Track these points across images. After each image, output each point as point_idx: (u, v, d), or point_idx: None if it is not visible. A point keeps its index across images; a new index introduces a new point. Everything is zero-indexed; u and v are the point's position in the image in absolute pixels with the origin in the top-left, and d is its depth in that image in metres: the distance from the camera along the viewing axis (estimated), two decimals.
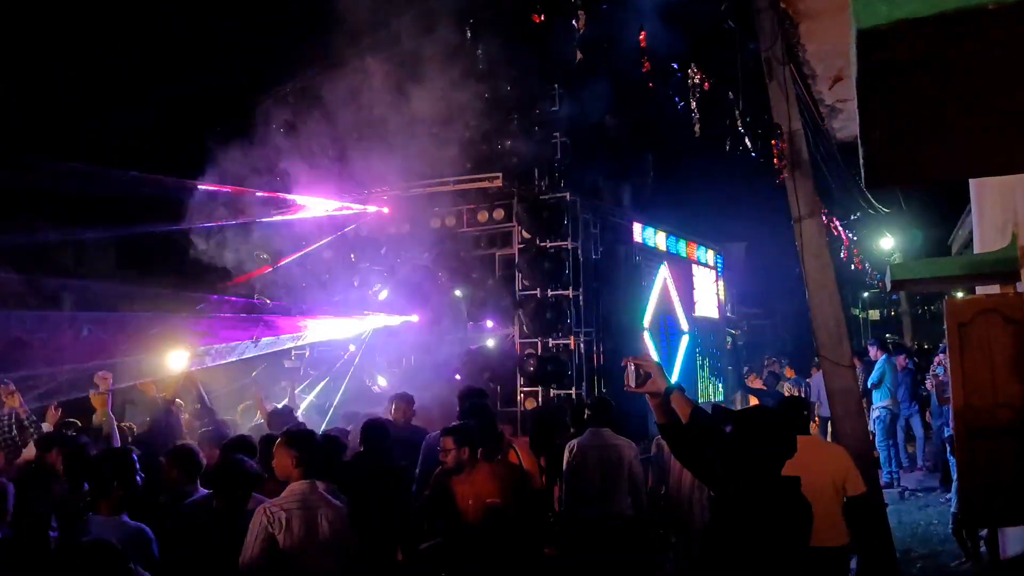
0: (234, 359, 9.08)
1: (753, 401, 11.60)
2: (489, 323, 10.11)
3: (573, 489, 5.87)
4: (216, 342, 9.02)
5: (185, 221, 9.07)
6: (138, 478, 4.02)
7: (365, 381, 10.41)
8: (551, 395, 9.14)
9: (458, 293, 10.31)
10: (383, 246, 10.42)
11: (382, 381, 10.38)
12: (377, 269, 10.52)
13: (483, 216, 9.76)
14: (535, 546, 5.34)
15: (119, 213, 10.15)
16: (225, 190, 8.89)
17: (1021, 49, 1.71)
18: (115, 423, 6.00)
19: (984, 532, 7.07)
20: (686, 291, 12.33)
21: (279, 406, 7.90)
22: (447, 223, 10.00)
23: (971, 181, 7.21)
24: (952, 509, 7.47)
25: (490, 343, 9.97)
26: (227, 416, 7.85)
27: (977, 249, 7.63)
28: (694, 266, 12.87)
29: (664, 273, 11.47)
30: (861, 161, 2.37)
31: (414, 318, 10.37)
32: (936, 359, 9.70)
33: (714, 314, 13.51)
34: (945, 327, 5.29)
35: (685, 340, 12.06)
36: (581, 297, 9.25)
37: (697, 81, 7.48)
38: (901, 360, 11.63)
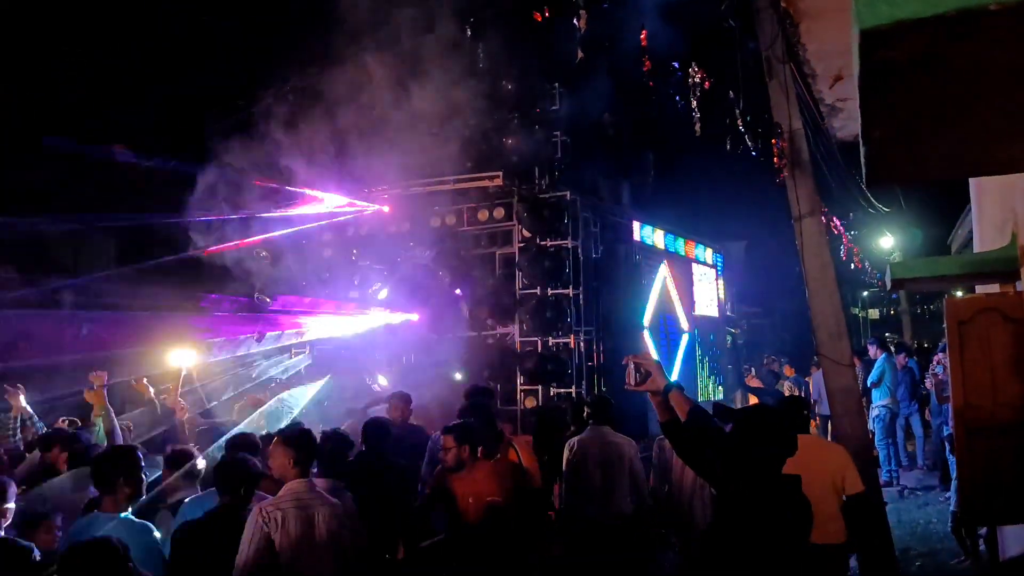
0: (238, 353, 9.08)
1: (753, 400, 11.62)
2: (489, 322, 10.12)
3: (574, 487, 5.88)
4: (217, 340, 9.02)
5: (184, 219, 9.07)
6: (143, 475, 4.02)
7: (365, 379, 10.42)
8: (551, 394, 9.15)
9: (458, 292, 10.32)
10: (383, 245, 10.43)
11: (383, 380, 10.39)
12: (377, 268, 10.53)
13: (483, 215, 9.77)
14: (535, 544, 5.35)
15: (119, 211, 10.15)
16: (224, 190, 8.89)
17: (1022, 49, 1.72)
18: (115, 419, 6.00)
19: (983, 530, 7.08)
20: (686, 290, 12.34)
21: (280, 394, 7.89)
22: (447, 222, 10.00)
23: (971, 180, 7.22)
24: (951, 507, 7.48)
25: (490, 342, 9.98)
26: (225, 416, 7.84)
27: (977, 248, 7.63)
28: (694, 265, 12.88)
29: (664, 272, 11.48)
30: (862, 160, 2.37)
31: (414, 317, 10.38)
32: (935, 358, 9.70)
33: (714, 313, 13.52)
34: (945, 326, 5.29)
35: (685, 339, 12.07)
36: (581, 296, 9.26)
37: (697, 80, 7.48)
38: (901, 359, 11.63)
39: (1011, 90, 1.99)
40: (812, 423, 10.86)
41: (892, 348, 12.14)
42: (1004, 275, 5.41)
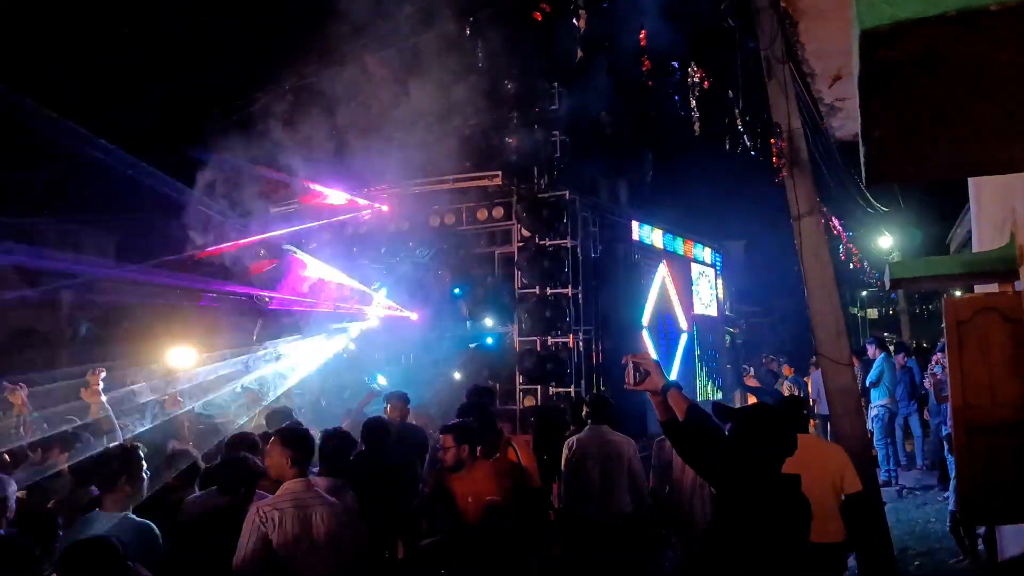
0: (236, 351, 9.08)
1: (752, 399, 11.63)
2: (488, 321, 10.13)
3: (573, 486, 5.88)
4: (216, 339, 9.02)
5: (184, 217, 9.08)
6: (144, 474, 4.02)
7: (364, 379, 10.43)
8: (550, 393, 9.15)
9: (457, 291, 10.33)
10: (383, 244, 10.43)
11: (382, 380, 10.39)
12: (377, 267, 10.53)
13: (482, 214, 9.77)
14: (535, 544, 5.35)
15: (118, 209, 10.15)
16: (224, 189, 8.89)
17: (1023, 48, 1.73)
18: (114, 419, 5.99)
19: (982, 530, 7.09)
20: (685, 289, 12.34)
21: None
22: (447, 221, 10.00)
23: (970, 180, 7.22)
24: (950, 507, 7.49)
25: (489, 341, 9.99)
26: (222, 415, 7.83)
27: (976, 248, 7.64)
28: (693, 264, 12.88)
29: (663, 271, 11.49)
30: (862, 159, 2.38)
31: (413, 316, 10.39)
32: (934, 357, 9.71)
33: (713, 312, 13.53)
34: (944, 325, 5.30)
35: (684, 338, 12.08)
36: (580, 295, 9.27)
37: (697, 80, 7.48)
38: (900, 359, 11.64)
39: (1011, 90, 2.00)
40: (811, 423, 10.87)
41: (891, 348, 12.15)
42: (1003, 275, 5.42)
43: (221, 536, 3.80)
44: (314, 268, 10.39)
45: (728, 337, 14.84)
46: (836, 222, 15.26)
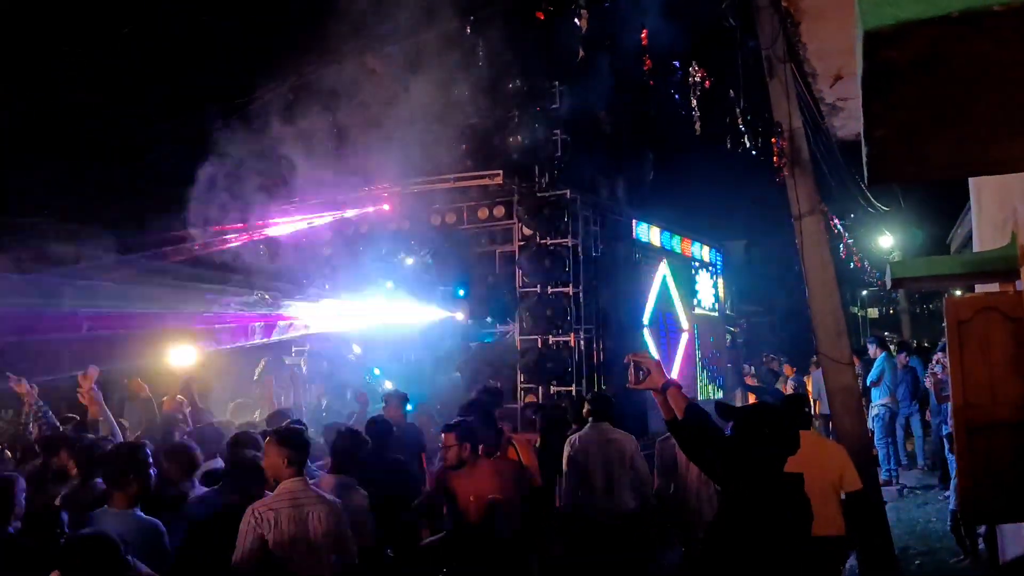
0: (241, 344, 9.10)
1: (752, 399, 11.64)
2: (489, 320, 10.13)
3: (575, 484, 5.89)
4: (217, 337, 9.03)
5: (184, 216, 9.08)
6: (152, 472, 4.02)
7: (365, 377, 10.44)
8: (551, 392, 9.16)
9: (461, 293, 10.33)
10: (384, 243, 10.44)
11: (376, 371, 10.42)
12: (378, 266, 10.54)
13: (483, 213, 9.77)
14: (536, 543, 5.36)
15: (119, 207, 10.16)
16: (224, 187, 8.89)
17: None
18: (113, 419, 6.00)
19: (982, 529, 7.10)
20: (686, 288, 12.35)
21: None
22: (448, 220, 10.01)
23: (970, 180, 7.23)
24: (950, 506, 7.50)
25: (490, 340, 10.00)
26: (219, 414, 7.83)
27: (976, 247, 7.64)
28: (693, 263, 12.89)
29: (663, 270, 11.49)
30: (864, 159, 2.38)
31: (415, 315, 10.39)
32: (935, 357, 9.71)
33: (713, 311, 13.53)
34: (944, 325, 5.30)
35: (684, 337, 12.08)
36: (581, 294, 9.27)
37: (698, 79, 7.49)
38: (903, 358, 11.65)
39: (1013, 90, 2.00)
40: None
41: (892, 347, 12.15)
42: (1004, 274, 5.42)
43: (228, 536, 3.80)
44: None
45: (729, 336, 14.83)
46: (836, 221, 15.27)
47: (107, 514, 3.84)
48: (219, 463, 5.02)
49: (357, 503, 4.48)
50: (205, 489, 4.56)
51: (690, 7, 8.05)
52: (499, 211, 9.69)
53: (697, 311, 12.65)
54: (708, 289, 13.34)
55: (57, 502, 4.23)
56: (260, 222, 9.63)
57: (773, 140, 7.29)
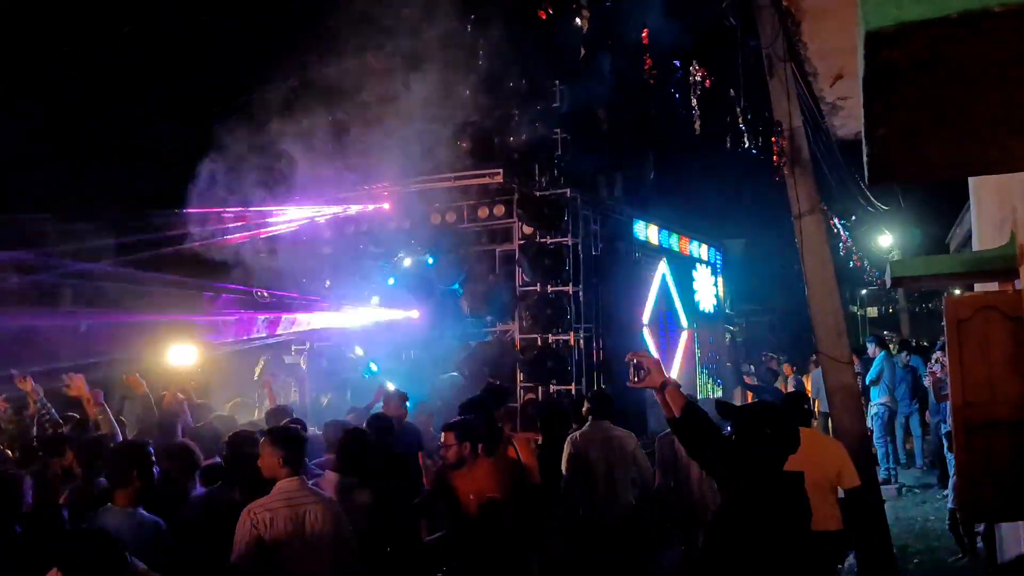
0: (239, 343, 9.10)
1: (750, 397, 11.65)
2: (489, 319, 10.14)
3: (575, 482, 5.90)
4: (217, 336, 9.03)
5: (184, 215, 9.08)
6: (155, 470, 4.03)
7: (363, 375, 10.45)
8: (551, 391, 9.17)
9: (456, 286, 10.34)
10: (384, 242, 10.44)
11: (373, 367, 10.43)
12: (378, 265, 10.55)
13: (483, 212, 9.77)
14: (535, 542, 5.37)
15: (118, 205, 10.17)
16: (224, 186, 8.89)
17: None
18: (114, 420, 6.00)
19: (981, 528, 7.12)
20: (685, 287, 12.36)
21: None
22: (447, 219, 10.01)
23: (970, 179, 7.24)
24: (949, 505, 7.52)
25: (490, 339, 10.00)
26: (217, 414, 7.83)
27: (976, 246, 7.65)
28: (692, 262, 12.90)
29: (663, 269, 11.50)
30: (865, 159, 2.39)
31: (414, 314, 10.40)
32: (934, 356, 9.74)
33: (713, 310, 13.53)
34: (944, 324, 5.32)
35: (684, 336, 12.09)
36: (581, 293, 9.28)
37: (698, 78, 7.49)
38: (904, 357, 11.66)
39: (1013, 90, 2.01)
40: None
41: (891, 346, 12.17)
42: (1003, 273, 5.43)
43: (228, 534, 3.81)
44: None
45: (728, 335, 14.83)
46: (836, 221, 15.28)
47: (110, 512, 3.84)
48: (218, 461, 5.02)
49: (361, 502, 4.48)
50: (205, 489, 4.56)
51: (691, 6, 8.07)
52: (499, 210, 9.69)
53: (696, 310, 12.65)
54: (707, 288, 13.34)
55: (61, 501, 4.24)
56: (260, 220, 9.63)
57: (773, 139, 7.30)
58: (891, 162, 2.54)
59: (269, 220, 9.74)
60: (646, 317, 10.77)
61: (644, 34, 7.41)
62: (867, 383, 11.19)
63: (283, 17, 9.53)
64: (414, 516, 5.29)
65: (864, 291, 27.69)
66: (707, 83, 7.55)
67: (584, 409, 6.26)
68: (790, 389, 12.19)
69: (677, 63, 7.71)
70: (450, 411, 6.33)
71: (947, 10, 1.56)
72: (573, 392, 8.95)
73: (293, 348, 10.90)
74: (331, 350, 10.83)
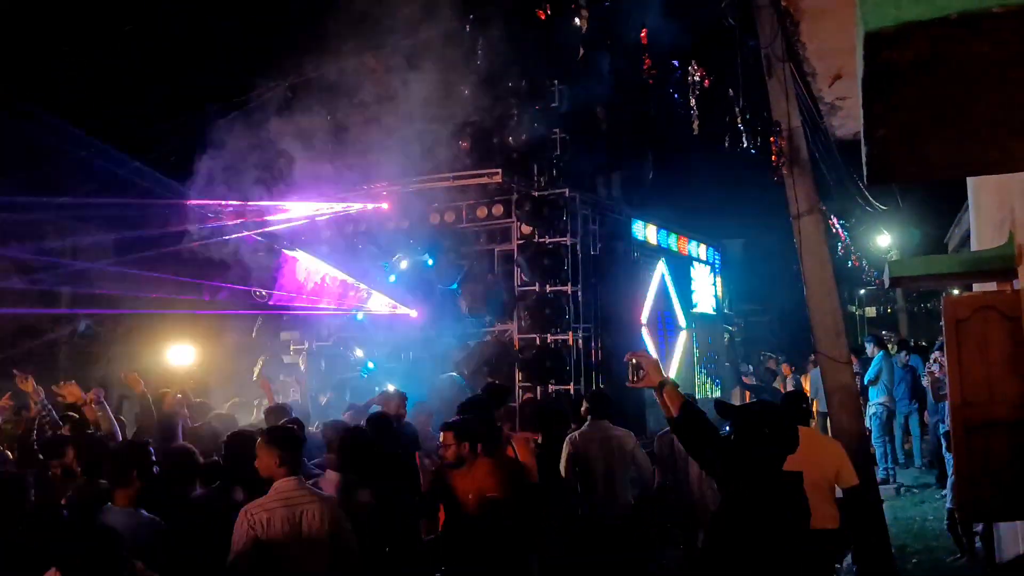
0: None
1: (749, 397, 11.66)
2: (488, 319, 10.13)
3: (576, 483, 5.90)
4: (217, 336, 9.03)
5: (183, 215, 9.08)
6: (155, 470, 4.03)
7: (361, 374, 10.44)
8: (550, 391, 9.17)
9: (454, 286, 10.34)
10: (383, 241, 10.44)
11: (371, 365, 10.43)
12: (377, 264, 10.55)
13: (482, 212, 9.78)
14: (535, 541, 5.37)
15: (118, 206, 10.15)
16: (223, 185, 8.89)
17: None
18: (114, 420, 6.00)
19: (979, 528, 7.12)
20: (684, 287, 12.37)
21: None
22: (446, 218, 10.01)
23: (968, 179, 7.25)
24: (947, 505, 7.53)
25: (488, 338, 10.00)
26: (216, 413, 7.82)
27: (974, 246, 7.66)
28: (691, 261, 12.90)
29: (662, 269, 11.51)
30: (864, 159, 2.40)
31: (413, 313, 10.40)
32: (933, 356, 9.75)
33: (711, 310, 13.54)
34: (943, 324, 5.33)
35: (682, 336, 12.10)
36: (579, 293, 9.28)
37: (697, 78, 7.50)
38: (903, 357, 11.67)
39: (1013, 90, 2.02)
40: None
41: (889, 346, 12.18)
42: (1002, 273, 5.45)
43: (229, 534, 3.80)
44: (314, 265, 10.42)
45: (727, 335, 14.84)
46: (835, 221, 15.29)
47: (110, 512, 3.84)
48: (217, 461, 5.02)
49: (362, 501, 4.48)
50: (204, 489, 4.56)
51: (689, 7, 8.07)
52: (498, 210, 9.69)
53: (695, 310, 12.66)
54: (706, 288, 13.35)
55: (61, 501, 4.24)
56: (259, 219, 9.63)
57: (772, 139, 7.30)
58: (890, 162, 2.55)
59: (268, 219, 9.74)
60: (645, 317, 10.78)
61: (643, 34, 7.42)
62: (866, 383, 11.20)
63: (283, 17, 9.52)
64: (414, 516, 5.29)
65: (863, 291, 27.70)
66: (706, 83, 7.56)
67: (583, 409, 6.26)
68: (789, 389, 12.19)
69: (676, 63, 7.72)
70: (449, 411, 6.33)
71: (947, 10, 1.57)
72: (572, 392, 8.95)
73: (292, 348, 10.90)
74: (330, 350, 10.83)
